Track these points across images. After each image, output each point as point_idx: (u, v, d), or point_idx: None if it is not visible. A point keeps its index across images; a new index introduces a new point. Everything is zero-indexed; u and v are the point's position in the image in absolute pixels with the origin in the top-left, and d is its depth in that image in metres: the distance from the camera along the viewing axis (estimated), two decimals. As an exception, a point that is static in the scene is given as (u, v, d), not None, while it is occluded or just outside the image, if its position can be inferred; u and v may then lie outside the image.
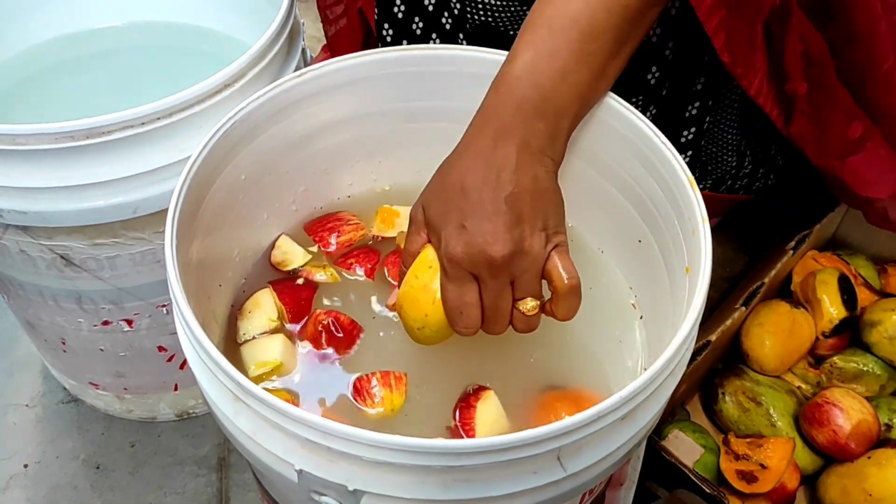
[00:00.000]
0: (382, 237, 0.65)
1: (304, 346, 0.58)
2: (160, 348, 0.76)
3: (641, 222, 0.59)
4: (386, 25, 0.73)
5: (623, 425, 0.44)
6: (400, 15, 0.72)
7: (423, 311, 0.52)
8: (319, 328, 0.58)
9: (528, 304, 0.51)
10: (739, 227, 0.94)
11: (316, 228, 0.65)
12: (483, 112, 0.53)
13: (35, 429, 0.86)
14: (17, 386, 0.90)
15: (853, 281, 0.82)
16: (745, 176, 0.82)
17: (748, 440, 0.75)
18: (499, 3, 0.69)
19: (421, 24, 0.72)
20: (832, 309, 0.79)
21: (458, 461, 0.39)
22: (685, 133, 0.75)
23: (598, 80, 0.53)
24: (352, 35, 0.77)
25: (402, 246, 0.55)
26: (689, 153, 0.76)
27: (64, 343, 0.76)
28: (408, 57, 0.61)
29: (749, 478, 0.71)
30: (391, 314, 0.60)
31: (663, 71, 0.71)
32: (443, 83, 0.62)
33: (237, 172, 0.58)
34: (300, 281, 0.62)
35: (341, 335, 0.58)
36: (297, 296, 0.60)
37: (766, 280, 0.80)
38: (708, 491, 0.64)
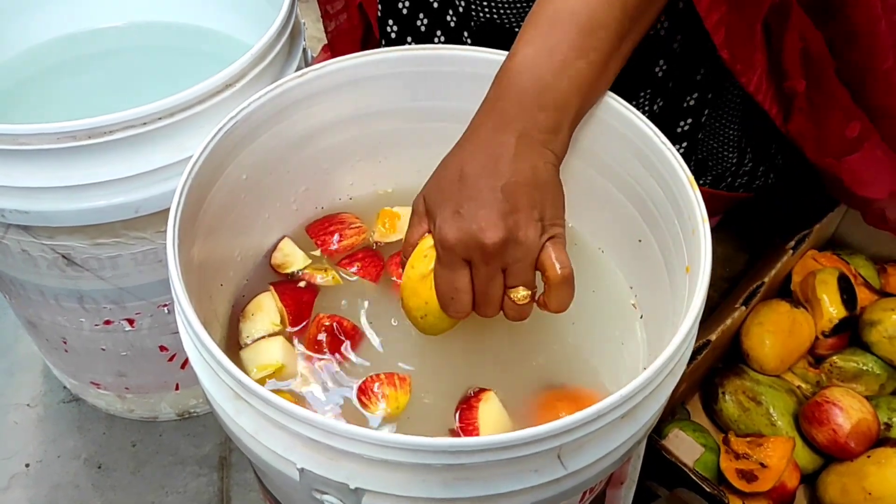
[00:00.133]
0: (385, 243, 0.65)
1: (306, 350, 0.58)
2: (161, 348, 0.76)
3: (641, 222, 0.59)
4: (390, 22, 0.73)
5: (623, 424, 0.44)
6: (405, 11, 0.72)
7: (422, 300, 0.53)
8: (321, 332, 0.58)
9: (520, 293, 0.51)
10: (739, 226, 0.94)
11: (318, 231, 0.66)
12: (485, 106, 0.53)
13: (36, 428, 0.86)
14: (18, 385, 0.90)
15: (853, 280, 0.82)
16: (746, 174, 0.82)
17: (748, 439, 0.75)
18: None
19: (425, 21, 0.72)
20: (832, 308, 0.79)
21: (459, 459, 0.40)
22: (681, 123, 0.75)
23: (599, 74, 0.53)
24: (351, 31, 0.77)
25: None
26: (685, 144, 0.76)
27: (65, 342, 0.76)
28: (409, 57, 0.61)
29: (749, 477, 0.71)
30: (392, 319, 0.60)
31: (671, 64, 0.71)
32: (444, 83, 0.62)
33: (238, 172, 0.58)
34: (302, 284, 0.62)
35: (343, 339, 0.58)
36: (298, 298, 0.61)
37: (766, 279, 0.80)
38: (708, 490, 0.65)
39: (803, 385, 0.81)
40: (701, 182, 0.80)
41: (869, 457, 0.72)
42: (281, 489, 0.53)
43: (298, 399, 0.55)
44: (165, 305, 0.72)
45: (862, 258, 0.88)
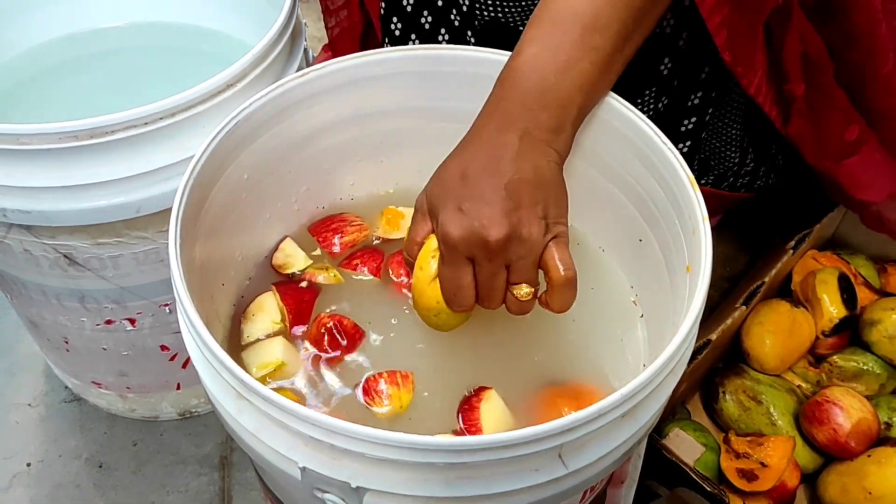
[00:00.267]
0: (386, 238, 0.65)
1: (307, 349, 0.58)
2: (163, 347, 0.76)
3: (642, 221, 0.59)
4: (395, 19, 0.73)
5: (624, 423, 0.44)
6: (409, 8, 0.72)
7: (434, 300, 0.53)
8: (323, 331, 0.58)
9: (523, 290, 0.51)
10: (740, 226, 0.94)
11: (319, 229, 0.66)
12: (488, 105, 0.53)
13: (38, 428, 0.86)
14: (19, 385, 0.90)
15: (853, 280, 0.82)
16: (748, 174, 0.82)
17: (748, 439, 0.75)
18: None
19: (430, 19, 0.72)
20: (832, 308, 0.80)
21: (461, 458, 0.40)
22: (686, 122, 0.75)
23: (602, 74, 0.53)
24: (351, 28, 0.77)
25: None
26: (688, 143, 0.76)
27: (67, 342, 0.76)
28: (410, 57, 0.62)
29: (749, 476, 0.71)
30: (392, 318, 0.60)
31: (676, 62, 0.71)
32: (446, 83, 0.62)
33: (240, 172, 0.58)
34: (303, 284, 0.62)
35: (344, 339, 0.58)
36: (299, 298, 0.61)
37: (767, 279, 0.80)
38: (708, 489, 0.65)
39: (803, 384, 0.81)
40: (703, 182, 0.80)
41: (869, 456, 0.72)
42: (282, 488, 0.54)
43: (299, 397, 0.55)
44: (167, 305, 0.72)
45: (862, 258, 0.88)
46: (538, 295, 0.52)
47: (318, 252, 0.65)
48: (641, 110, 0.58)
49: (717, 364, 0.82)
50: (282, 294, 0.60)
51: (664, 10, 0.55)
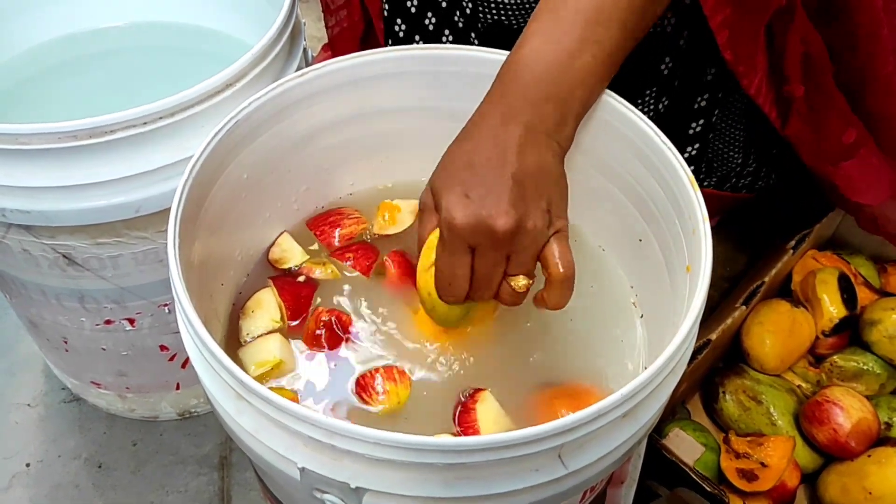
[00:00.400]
0: (382, 235, 0.65)
1: (304, 344, 0.58)
2: (162, 347, 0.76)
3: (642, 221, 0.59)
4: (398, 21, 0.73)
5: (624, 423, 0.44)
6: (413, 10, 0.72)
7: (425, 292, 0.53)
8: (320, 326, 0.58)
9: (521, 282, 0.51)
10: (740, 226, 0.94)
11: (318, 223, 0.66)
12: (489, 98, 0.53)
13: (37, 428, 0.86)
14: (18, 385, 0.90)
15: (853, 280, 0.82)
16: (749, 174, 0.82)
17: (748, 439, 0.75)
18: (510, 1, 0.69)
19: (434, 20, 0.72)
20: (832, 308, 0.80)
21: (460, 458, 0.40)
22: (693, 125, 0.75)
23: (605, 67, 0.53)
24: (352, 28, 0.77)
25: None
26: (697, 146, 0.76)
27: (66, 342, 0.76)
28: (410, 57, 0.61)
29: (749, 476, 0.71)
30: (388, 312, 0.60)
31: (676, 61, 0.70)
32: (445, 83, 0.62)
33: (239, 172, 0.58)
34: (301, 278, 0.62)
35: (341, 333, 0.58)
36: (296, 293, 0.60)
37: (767, 279, 0.80)
38: (708, 489, 0.65)
39: (803, 384, 0.81)
40: (706, 184, 0.80)
41: (869, 456, 0.72)
42: (282, 489, 0.54)
43: (295, 395, 0.55)
44: (166, 305, 0.72)
45: (862, 258, 0.88)
46: (532, 293, 0.52)
47: (315, 247, 0.65)
48: (642, 110, 0.58)
49: (717, 364, 0.82)
50: (279, 289, 0.60)
51: (666, 5, 0.55)
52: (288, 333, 0.58)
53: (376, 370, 0.56)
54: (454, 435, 0.54)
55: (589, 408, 0.40)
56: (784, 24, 0.61)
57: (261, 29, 0.65)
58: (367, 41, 0.79)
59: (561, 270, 0.50)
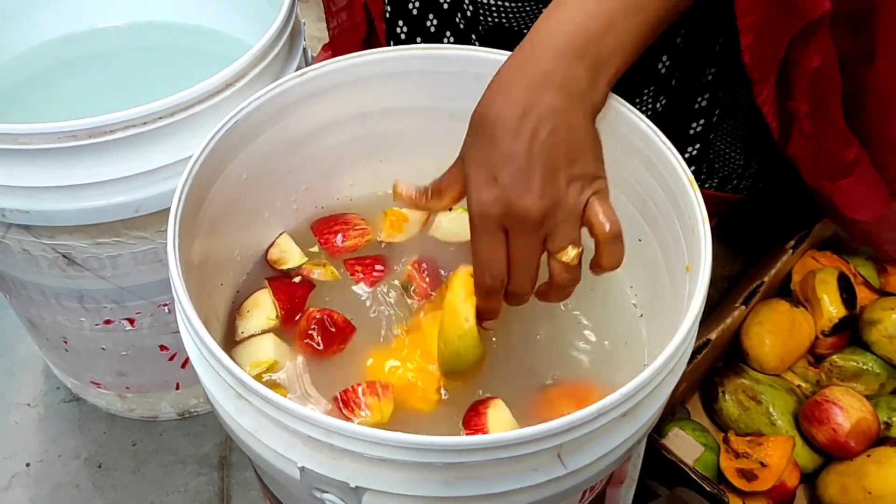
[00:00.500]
0: (389, 243, 0.65)
1: (297, 344, 0.58)
2: (162, 347, 0.76)
3: (642, 221, 0.59)
4: (400, 23, 0.73)
5: (624, 423, 0.44)
6: (414, 12, 0.72)
7: (462, 317, 0.52)
8: (313, 324, 0.57)
9: (570, 254, 0.49)
10: (739, 226, 0.94)
11: (322, 230, 0.65)
12: (518, 57, 0.50)
13: (37, 428, 0.86)
14: (18, 385, 0.90)
15: (853, 280, 0.82)
16: (751, 175, 0.82)
17: (748, 438, 0.75)
18: (512, 4, 0.69)
19: (435, 22, 0.72)
20: (832, 308, 0.80)
21: (460, 458, 0.40)
22: (693, 125, 0.74)
23: (644, 35, 0.51)
24: (353, 29, 0.77)
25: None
26: (697, 146, 0.76)
27: (66, 342, 0.76)
28: (410, 56, 0.61)
29: (749, 476, 0.71)
30: (386, 310, 0.60)
31: (673, 60, 0.70)
32: (446, 83, 0.62)
33: (238, 172, 0.58)
34: (297, 279, 0.62)
35: (334, 331, 0.57)
36: (291, 293, 0.60)
37: (766, 279, 0.80)
38: (708, 489, 0.65)
39: (803, 384, 0.81)
40: (708, 185, 0.80)
41: (869, 456, 0.72)
42: (282, 488, 0.54)
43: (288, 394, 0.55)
44: (166, 305, 0.72)
45: (862, 258, 0.88)
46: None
47: (315, 249, 0.65)
48: (640, 110, 0.58)
49: (716, 364, 0.82)
50: (274, 289, 0.60)
51: None
52: (283, 334, 0.58)
53: (357, 385, 0.54)
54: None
55: (588, 407, 0.40)
56: (805, 38, 0.60)
57: (261, 29, 0.65)
58: (370, 42, 0.79)
59: (607, 229, 0.48)
